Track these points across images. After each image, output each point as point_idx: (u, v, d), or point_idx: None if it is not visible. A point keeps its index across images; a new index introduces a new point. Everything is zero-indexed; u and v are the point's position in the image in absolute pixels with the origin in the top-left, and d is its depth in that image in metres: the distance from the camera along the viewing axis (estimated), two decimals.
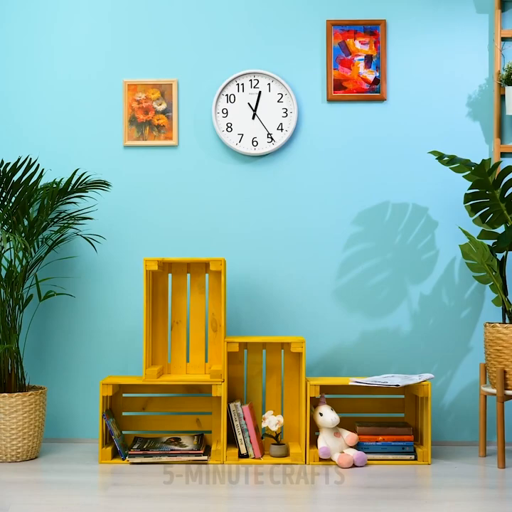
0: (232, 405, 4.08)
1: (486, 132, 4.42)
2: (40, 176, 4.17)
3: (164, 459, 3.98)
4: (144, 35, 4.49)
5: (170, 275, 4.33)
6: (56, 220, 4.30)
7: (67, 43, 4.50)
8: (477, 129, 4.43)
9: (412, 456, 4.02)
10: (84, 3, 4.50)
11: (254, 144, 4.43)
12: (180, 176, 4.48)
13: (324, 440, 4.00)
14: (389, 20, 4.44)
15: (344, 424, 4.20)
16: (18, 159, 4.07)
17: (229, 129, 4.44)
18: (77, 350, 4.47)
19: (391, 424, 4.11)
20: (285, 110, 4.44)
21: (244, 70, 4.45)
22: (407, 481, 3.68)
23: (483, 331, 4.40)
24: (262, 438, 4.13)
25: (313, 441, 4.14)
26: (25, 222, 4.21)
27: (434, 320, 4.43)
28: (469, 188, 4.09)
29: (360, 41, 4.43)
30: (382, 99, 4.44)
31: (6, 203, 4.10)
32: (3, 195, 4.09)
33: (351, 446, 4.02)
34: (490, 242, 4.37)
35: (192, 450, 4.01)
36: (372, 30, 4.43)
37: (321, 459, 3.99)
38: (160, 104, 4.46)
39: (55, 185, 4.23)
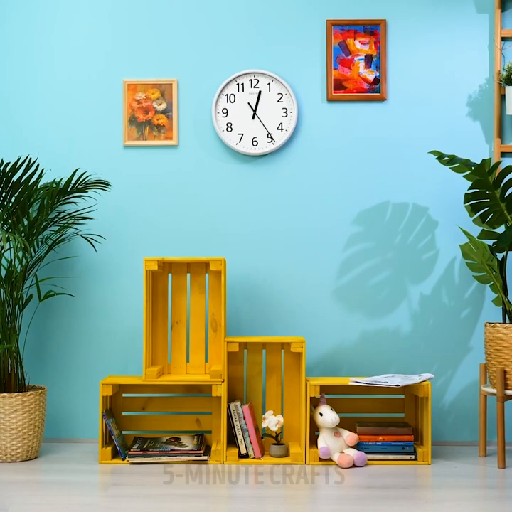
0: (232, 405, 4.08)
1: (486, 132, 4.42)
2: (40, 175, 4.17)
3: (164, 459, 3.98)
4: (144, 35, 4.49)
5: (170, 275, 4.33)
6: (56, 220, 4.30)
7: (67, 43, 4.50)
8: (477, 128, 4.43)
9: (412, 456, 4.02)
10: (84, 3, 4.50)
11: (254, 143, 4.43)
12: (180, 175, 4.48)
13: (324, 440, 4.00)
14: (389, 20, 4.44)
15: (344, 424, 4.20)
16: (18, 159, 4.07)
17: (229, 129, 4.44)
18: (77, 350, 4.47)
19: (391, 424, 4.11)
20: (285, 110, 4.43)
21: (244, 69, 4.45)
22: (407, 481, 3.68)
23: (483, 331, 4.40)
24: (262, 438, 4.13)
25: (313, 441, 4.14)
26: (25, 222, 4.21)
27: (434, 320, 4.43)
28: (469, 188, 4.09)
29: (360, 41, 4.43)
30: (382, 99, 4.44)
31: (5, 203, 4.10)
32: (3, 195, 4.09)
33: (351, 446, 4.02)
34: (490, 242, 4.36)
35: (192, 450, 4.01)
36: (373, 30, 4.43)
37: (321, 459, 3.99)
38: (160, 104, 4.46)
39: (55, 185, 4.23)
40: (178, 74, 4.48)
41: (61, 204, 4.25)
